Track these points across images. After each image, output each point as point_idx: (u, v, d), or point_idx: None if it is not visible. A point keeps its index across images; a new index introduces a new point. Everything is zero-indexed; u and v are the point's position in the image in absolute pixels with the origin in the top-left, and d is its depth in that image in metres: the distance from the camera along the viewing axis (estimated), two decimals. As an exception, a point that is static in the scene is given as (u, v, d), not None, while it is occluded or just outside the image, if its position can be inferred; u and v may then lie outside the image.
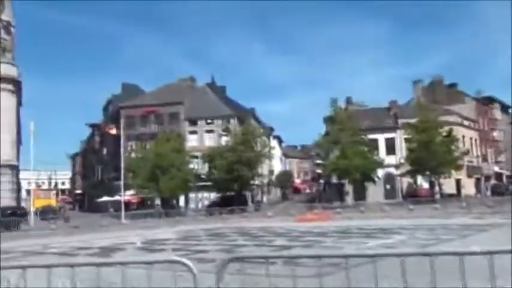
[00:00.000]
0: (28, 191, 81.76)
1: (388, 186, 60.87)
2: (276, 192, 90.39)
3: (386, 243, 15.58)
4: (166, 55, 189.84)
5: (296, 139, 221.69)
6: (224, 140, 58.17)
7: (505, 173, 77.35)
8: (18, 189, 59.66)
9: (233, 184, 52.83)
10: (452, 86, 75.37)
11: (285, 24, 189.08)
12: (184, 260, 3.62)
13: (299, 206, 52.21)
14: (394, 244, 15.28)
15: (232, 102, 73.11)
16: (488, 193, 64.37)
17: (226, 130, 59.14)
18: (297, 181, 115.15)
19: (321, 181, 79.95)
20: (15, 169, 51.04)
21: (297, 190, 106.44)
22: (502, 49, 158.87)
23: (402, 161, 56.75)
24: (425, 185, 55.42)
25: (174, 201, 56.67)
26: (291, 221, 32.16)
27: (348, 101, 68.82)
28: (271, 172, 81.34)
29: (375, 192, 56.33)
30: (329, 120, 55.87)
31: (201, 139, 65.73)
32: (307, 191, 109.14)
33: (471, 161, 63.31)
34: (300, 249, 15.57)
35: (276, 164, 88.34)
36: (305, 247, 15.93)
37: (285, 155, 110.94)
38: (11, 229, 34.70)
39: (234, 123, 63.80)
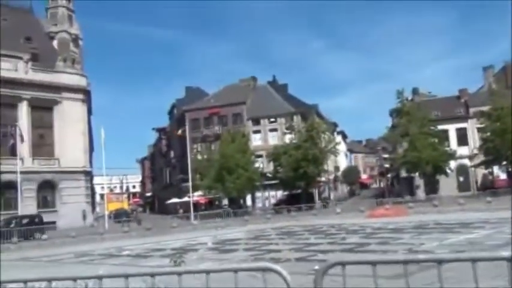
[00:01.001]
0: (102, 196, 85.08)
1: (461, 179, 58.26)
2: (343, 188, 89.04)
3: (470, 238, 14.65)
4: (227, 57, 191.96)
5: (361, 134, 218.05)
6: (288, 137, 57.79)
7: None
8: (93, 194, 62.10)
9: (299, 182, 52.40)
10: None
11: (345, 18, 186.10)
12: (276, 267, 3.28)
13: (367, 202, 51.00)
14: (480, 239, 14.33)
15: (295, 100, 72.57)
16: None
17: (290, 128, 58.75)
18: (364, 176, 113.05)
19: (389, 175, 77.91)
20: (88, 175, 53.08)
21: (364, 185, 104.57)
22: None
23: (475, 151, 54.15)
24: (502, 176, 52.61)
25: (242, 201, 56.94)
26: (361, 218, 31.31)
27: (415, 91, 66.50)
28: (337, 168, 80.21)
29: (447, 185, 54.05)
30: (396, 112, 54.23)
31: (265, 138, 65.72)
32: (374, 185, 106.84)
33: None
34: (375, 246, 14.95)
35: (342, 160, 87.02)
36: (380, 244, 15.28)
37: (350, 150, 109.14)
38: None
39: (297, 120, 63.31)
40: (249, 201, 59.63)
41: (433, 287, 3.58)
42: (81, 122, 52.09)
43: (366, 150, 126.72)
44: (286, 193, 56.39)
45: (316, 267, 3.41)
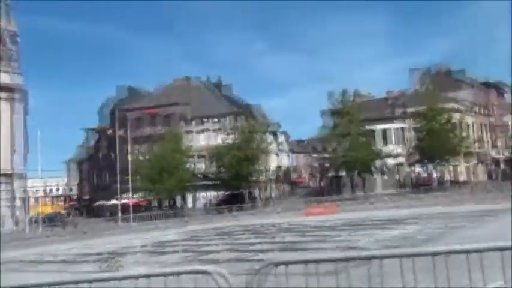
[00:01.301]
0: (36, 199, 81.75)
1: (396, 177, 60.30)
2: (284, 187, 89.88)
3: (403, 233, 15.09)
4: (168, 56, 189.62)
5: (304, 134, 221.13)
6: (230, 138, 57.75)
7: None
8: (24, 198, 59.49)
9: (240, 181, 52.50)
10: (458, 72, 74.46)
11: (285, 21, 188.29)
12: (209, 268, 3.19)
13: (307, 201, 51.73)
14: (411, 234, 14.78)
15: (237, 100, 72.67)
16: (498, 178, 63.81)
17: (232, 128, 58.74)
18: (304, 175, 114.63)
19: (328, 174, 79.43)
20: (10, 178, 50.80)
21: (304, 184, 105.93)
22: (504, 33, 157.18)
23: (410, 150, 56.17)
24: (433, 174, 54.86)
25: (182, 202, 56.34)
26: (301, 216, 31.71)
27: (355, 92, 68.21)
28: (278, 168, 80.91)
29: (383, 183, 55.77)
30: (335, 112, 55.29)
31: (207, 138, 65.31)
32: (315, 184, 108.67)
33: (480, 147, 62.60)
34: (313, 243, 15.10)
35: (283, 159, 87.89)
36: (318, 242, 15.45)
37: (292, 150, 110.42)
38: None
39: (240, 120, 63.38)
40: (190, 202, 59.09)
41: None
42: (17, 122, 49.88)
43: (308, 150, 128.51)
44: (227, 193, 56.33)
45: (257, 267, 3.37)
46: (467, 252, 3.05)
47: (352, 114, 52.16)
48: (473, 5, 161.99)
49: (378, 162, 52.93)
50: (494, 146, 71.28)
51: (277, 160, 75.98)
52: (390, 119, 61.15)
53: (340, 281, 3.49)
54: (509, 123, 78.96)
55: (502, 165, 71.64)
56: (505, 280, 3.32)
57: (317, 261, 3.30)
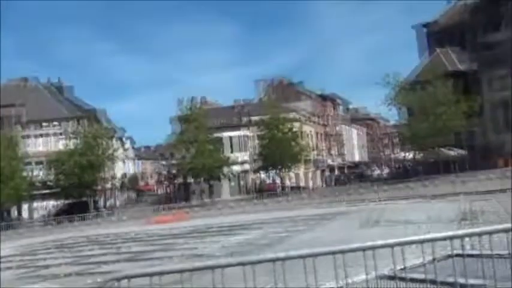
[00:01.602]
0: None
1: (242, 183, 62.32)
2: (130, 195, 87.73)
3: (248, 239, 15.62)
4: (4, 54, 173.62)
5: (150, 140, 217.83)
6: (72, 143, 54.62)
7: (346, 164, 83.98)
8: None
9: (84, 189, 49.99)
10: (298, 84, 79.69)
11: (133, 21, 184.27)
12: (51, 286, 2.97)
13: (154, 208, 51.06)
14: (254, 239, 15.35)
15: (80, 103, 69.10)
16: (333, 183, 69.37)
17: (74, 133, 55.67)
18: (151, 182, 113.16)
19: (176, 181, 79.39)
20: None
21: (151, 192, 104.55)
22: (342, 49, 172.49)
23: (255, 157, 58.49)
24: (275, 180, 57.74)
25: (17, 213, 51.87)
26: (147, 224, 31.13)
27: (202, 100, 69.21)
28: (124, 174, 78.67)
29: (230, 189, 57.26)
30: (183, 119, 55.46)
31: (46, 143, 60.96)
32: (162, 191, 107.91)
33: (318, 154, 67.47)
34: (159, 253, 14.94)
35: (129, 166, 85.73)
36: (165, 250, 15.34)
37: (138, 156, 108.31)
38: None
39: (82, 125, 60.33)
40: (25, 213, 54.59)
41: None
42: None
43: (155, 156, 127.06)
44: (69, 202, 53.07)
45: (99, 279, 3.25)
46: (302, 257, 3.31)
47: (199, 121, 52.84)
48: (318, 22, 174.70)
49: (225, 169, 54.23)
50: (329, 153, 77.41)
51: (123, 167, 73.80)
52: (237, 127, 63.12)
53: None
54: (342, 132, 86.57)
55: (336, 171, 78.12)
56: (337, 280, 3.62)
57: (161, 274, 3.31)
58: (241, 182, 61.94)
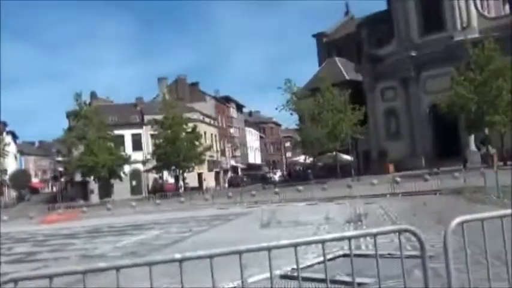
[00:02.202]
0: None
1: (134, 183, 60.93)
2: (11, 194, 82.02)
3: (142, 239, 15.42)
4: None
5: (34, 135, 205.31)
6: None
7: (240, 166, 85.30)
8: None
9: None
10: (194, 84, 79.71)
11: (26, 10, 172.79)
12: None
13: (39, 207, 48.38)
14: (149, 240, 15.21)
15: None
16: (226, 185, 70.13)
17: None
18: (35, 180, 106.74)
19: (63, 179, 75.72)
20: None
21: (35, 190, 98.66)
22: (239, 52, 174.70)
23: (148, 156, 57.49)
24: (171, 180, 57.19)
25: None
26: (32, 224, 29.51)
27: (93, 95, 66.72)
28: (4, 171, 73.34)
29: (121, 189, 55.61)
30: (73, 115, 53.26)
31: None
32: (47, 190, 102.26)
33: (212, 156, 67.81)
34: (47, 254, 14.28)
35: (11, 163, 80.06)
36: (53, 251, 14.68)
37: (21, 152, 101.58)
38: None
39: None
40: None
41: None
42: None
43: (39, 153, 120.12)
44: None
45: None
46: (200, 258, 3.32)
47: (89, 117, 51.04)
48: (217, 24, 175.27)
49: (126, 167, 52.97)
50: (223, 154, 78.08)
51: (2, 163, 68.86)
52: (138, 125, 61.90)
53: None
54: (235, 134, 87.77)
55: (229, 173, 79.02)
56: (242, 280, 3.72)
57: (51, 276, 3.15)
58: (143, 182, 60.64)
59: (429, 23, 51.62)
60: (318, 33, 72.53)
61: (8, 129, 78.20)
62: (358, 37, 63.40)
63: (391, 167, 47.05)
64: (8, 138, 67.89)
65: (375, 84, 55.60)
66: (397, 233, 3.65)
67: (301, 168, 67.02)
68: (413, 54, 51.75)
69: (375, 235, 3.61)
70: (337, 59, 63.33)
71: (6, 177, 76.69)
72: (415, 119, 52.29)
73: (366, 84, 56.01)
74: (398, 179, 26.77)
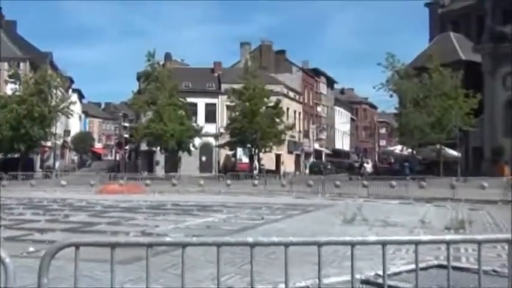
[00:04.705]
0: None
1: (204, 158, 62.39)
2: (72, 157, 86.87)
3: (208, 222, 15.81)
4: None
5: (101, 96, 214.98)
6: (11, 88, 53.56)
7: (325, 151, 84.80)
8: None
9: (19, 144, 49.20)
10: (280, 53, 79.44)
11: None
12: None
13: (100, 175, 50.77)
14: (215, 223, 15.56)
15: (24, 42, 67.58)
16: (307, 171, 70.16)
17: (15, 76, 54.49)
18: (98, 145, 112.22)
19: (127, 147, 78.97)
20: None
21: (97, 156, 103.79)
22: (333, 19, 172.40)
23: (222, 130, 58.51)
24: (245, 159, 57.93)
25: None
26: (91, 193, 31.15)
27: (167, 56, 68.52)
28: (67, 132, 77.70)
29: (189, 163, 56.94)
30: (144, 76, 54.97)
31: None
32: (110, 157, 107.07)
33: (293, 136, 68.00)
34: (104, 225, 15.03)
35: (74, 123, 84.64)
36: (111, 224, 15.42)
37: (86, 113, 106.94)
38: None
39: (24, 68, 59.15)
40: None
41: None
42: None
43: (105, 116, 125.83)
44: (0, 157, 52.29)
45: (45, 250, 3.29)
46: (274, 244, 3.29)
47: (160, 80, 52.22)
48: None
49: (197, 140, 54.20)
50: (306, 136, 77.96)
51: (66, 123, 72.90)
52: (213, 93, 63.06)
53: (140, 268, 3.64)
54: (322, 114, 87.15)
55: (312, 158, 78.90)
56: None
57: (113, 245, 3.31)
58: (214, 158, 62.00)
59: None
60: (431, 1, 70.07)
61: (74, 86, 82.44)
62: (480, 10, 60.46)
63: (507, 169, 44.97)
64: (74, 97, 71.55)
65: (497, 68, 53.01)
66: (508, 244, 3.46)
67: (396, 160, 65.68)
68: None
69: (479, 242, 3.46)
70: (452, 34, 61.05)
71: (69, 139, 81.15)
72: (543, 114, 49.57)
73: (485, 67, 53.60)
74: (514, 184, 25.57)
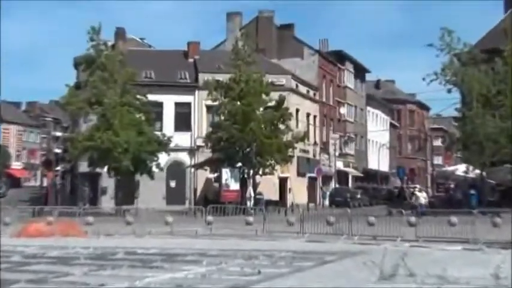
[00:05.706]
0: None
1: (173, 183, 62.28)
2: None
3: (178, 279, 15.78)
4: None
5: (20, 92, 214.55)
6: None
7: (353, 172, 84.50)
8: None
9: None
10: (286, 28, 79.30)
11: None
12: None
13: (19, 210, 50.69)
14: (189, 281, 15.53)
15: None
16: (326, 202, 70.12)
17: None
18: (17, 165, 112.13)
19: (60, 167, 78.94)
20: None
21: (15, 181, 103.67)
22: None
23: (200, 143, 58.47)
24: (234, 185, 57.71)
25: None
26: (6, 235, 31.09)
27: (119, 34, 68.55)
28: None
29: (151, 191, 56.87)
30: (85, 63, 54.80)
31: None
32: (34, 183, 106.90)
33: (306, 151, 68.17)
34: (24, 284, 15.00)
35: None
36: (35, 282, 15.40)
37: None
38: None
39: None
40: None
41: None
42: None
43: (26, 121, 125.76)
44: None
45: None
46: None
47: (110, 69, 51.92)
48: None
49: (161, 157, 54.00)
50: (325, 150, 77.67)
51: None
52: (187, 88, 63.16)
53: None
54: (349, 117, 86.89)
55: (333, 182, 78.77)
56: None
57: None
58: (188, 183, 62.00)
59: None
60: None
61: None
62: None
63: None
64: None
65: None
66: None
67: (458, 185, 65.64)
68: None
69: None
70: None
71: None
72: None
73: None
74: None
